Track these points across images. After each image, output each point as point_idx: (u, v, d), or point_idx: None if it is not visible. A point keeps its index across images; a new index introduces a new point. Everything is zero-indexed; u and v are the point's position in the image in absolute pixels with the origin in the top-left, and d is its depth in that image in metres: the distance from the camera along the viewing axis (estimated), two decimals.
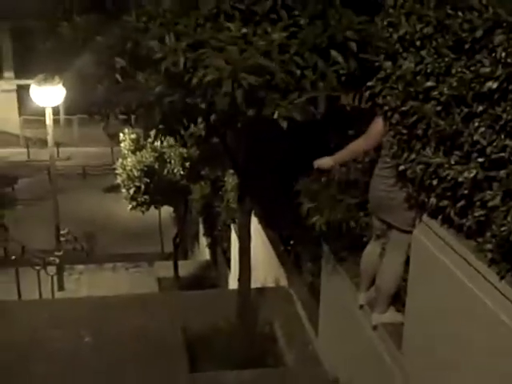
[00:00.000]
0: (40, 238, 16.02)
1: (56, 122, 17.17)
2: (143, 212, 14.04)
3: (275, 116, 4.18)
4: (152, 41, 4.38)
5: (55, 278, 13.41)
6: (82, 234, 17.89)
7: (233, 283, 10.26)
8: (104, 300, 8.55)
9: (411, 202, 4.24)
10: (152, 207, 14.29)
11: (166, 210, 16.96)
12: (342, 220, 5.59)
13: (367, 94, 4.57)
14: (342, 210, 5.32)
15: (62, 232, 14.43)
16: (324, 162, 4.97)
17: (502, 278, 3.25)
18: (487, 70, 3.16)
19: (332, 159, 4.95)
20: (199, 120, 5.97)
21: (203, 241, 15.67)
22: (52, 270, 13.41)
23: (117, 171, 13.74)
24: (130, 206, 13.88)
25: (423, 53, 3.76)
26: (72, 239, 16.36)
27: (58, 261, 13.55)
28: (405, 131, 3.99)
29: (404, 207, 4.38)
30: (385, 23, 4.18)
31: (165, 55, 4.26)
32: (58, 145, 21.93)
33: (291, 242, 8.27)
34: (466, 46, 3.37)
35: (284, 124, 4.19)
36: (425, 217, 4.12)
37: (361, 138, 4.78)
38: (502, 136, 3.13)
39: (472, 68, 3.30)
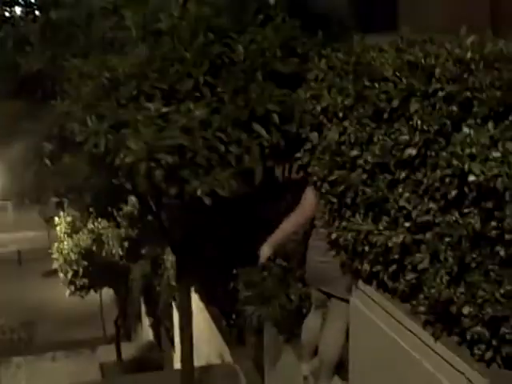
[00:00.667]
0: None
1: None
2: (82, 296, 13.69)
3: (198, 193, 4.17)
4: (74, 124, 4.38)
5: None
6: (19, 323, 17.23)
7: (177, 363, 10.00)
8: None
9: (344, 269, 4.27)
10: (92, 290, 13.96)
11: (107, 292, 16.58)
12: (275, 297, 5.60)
13: (297, 164, 4.65)
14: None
15: None
16: (264, 253, 4.79)
17: (436, 338, 3.28)
18: (406, 137, 3.27)
19: (269, 246, 4.79)
20: (133, 199, 5.97)
21: (146, 321, 15.33)
22: None
23: (53, 255, 13.44)
24: (69, 292, 13.53)
25: (346, 123, 3.88)
26: (8, 330, 15.72)
27: None
28: (334, 200, 4.06)
29: (338, 276, 4.40)
30: (308, 95, 4.30)
31: (86, 137, 4.26)
32: None
33: (233, 317, 8.17)
34: (385, 116, 3.49)
35: (207, 201, 4.18)
36: (360, 283, 4.15)
37: (294, 213, 4.73)
38: (426, 200, 3.22)
39: (392, 136, 3.41)
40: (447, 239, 3.08)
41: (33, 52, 5.12)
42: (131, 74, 4.34)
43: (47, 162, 5.11)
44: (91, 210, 5.40)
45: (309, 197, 4.57)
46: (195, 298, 8.26)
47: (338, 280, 4.44)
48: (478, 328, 3.02)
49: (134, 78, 4.33)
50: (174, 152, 4.05)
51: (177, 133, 4.07)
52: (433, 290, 3.15)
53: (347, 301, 4.47)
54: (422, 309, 3.34)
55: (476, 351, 3.08)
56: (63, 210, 6.38)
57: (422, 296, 3.33)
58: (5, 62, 5.32)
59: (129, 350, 14.84)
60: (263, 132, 4.31)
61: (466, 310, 3.02)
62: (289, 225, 4.74)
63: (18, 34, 5.26)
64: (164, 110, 4.22)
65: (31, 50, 5.15)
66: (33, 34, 5.20)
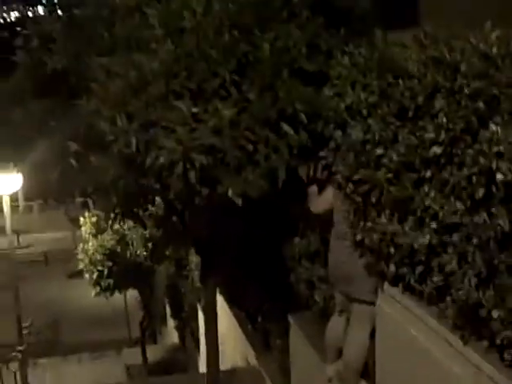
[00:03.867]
0: (1, 331, 15.48)
1: (15, 208, 16.93)
2: (107, 297, 13.76)
3: (229, 194, 4.15)
4: (103, 123, 4.36)
5: (18, 375, 12.87)
6: (46, 324, 17.36)
7: (203, 366, 9.98)
8: None
9: (369, 271, 4.20)
10: (117, 291, 14.03)
11: (132, 294, 16.65)
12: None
13: (321, 164, 4.60)
14: None
15: (24, 324, 13.96)
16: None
17: (465, 343, 3.19)
18: (431, 135, 3.20)
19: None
20: (158, 200, 5.94)
21: (171, 323, 15.35)
22: (14, 366, 12.87)
23: (79, 256, 13.52)
24: (94, 292, 13.61)
25: (370, 121, 3.81)
26: (35, 331, 15.85)
27: (20, 356, 13.03)
28: (359, 200, 3.99)
29: (362, 277, 4.32)
30: (331, 93, 4.24)
31: (116, 137, 4.24)
32: (17, 232, 21.56)
33: (259, 320, 8.11)
34: (410, 113, 3.42)
35: (239, 201, 4.15)
36: (386, 286, 4.08)
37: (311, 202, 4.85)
38: (452, 199, 3.14)
39: (417, 134, 3.34)
40: (475, 240, 3.00)
41: (57, 50, 5.13)
42: (159, 73, 4.31)
43: (73, 161, 5.11)
44: (117, 210, 5.37)
45: (326, 194, 4.61)
46: (220, 300, 8.22)
47: (360, 281, 4.37)
48: (508, 332, 2.93)
49: (162, 77, 4.30)
50: (207, 152, 4.02)
51: (208, 132, 4.04)
52: (461, 293, 3.07)
53: (371, 303, 4.40)
54: (450, 312, 3.26)
55: (506, 356, 2.99)
56: (89, 211, 6.39)
57: (449, 299, 3.26)
58: (30, 61, 5.34)
59: (154, 352, 14.86)
60: (291, 132, 4.27)
61: (495, 313, 2.94)
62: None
63: (43, 33, 5.27)
64: (195, 109, 4.19)
65: (56, 47, 5.15)
66: (57, 32, 5.21)
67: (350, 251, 4.34)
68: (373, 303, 4.36)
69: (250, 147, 4.20)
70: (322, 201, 4.66)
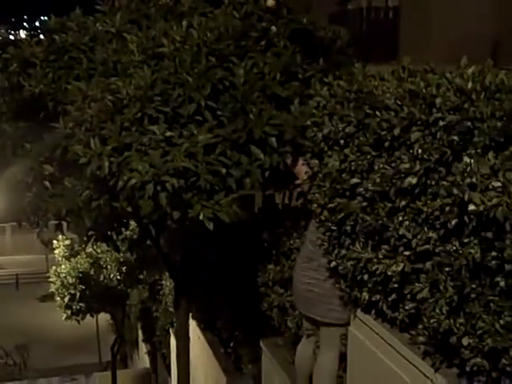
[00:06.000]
0: None
1: None
2: (79, 321, 13.59)
3: (201, 217, 4.17)
4: (77, 146, 4.39)
5: None
6: (15, 347, 17.07)
7: None
8: None
9: (331, 293, 4.27)
10: (88, 315, 13.87)
11: (103, 317, 16.47)
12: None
13: (296, 191, 4.65)
14: None
15: None
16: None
17: (436, 370, 3.24)
18: (406, 165, 3.27)
19: None
20: (132, 223, 5.94)
21: (143, 347, 15.19)
22: None
23: (51, 279, 13.38)
24: (65, 316, 13.45)
25: (347, 151, 3.87)
26: (3, 354, 15.58)
27: None
28: (334, 227, 4.04)
29: (325, 300, 4.37)
30: (309, 123, 4.32)
31: (89, 159, 4.26)
32: None
33: (231, 344, 8.09)
34: (386, 144, 3.49)
35: (210, 226, 4.17)
36: (359, 312, 4.12)
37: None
38: (425, 228, 3.21)
39: (393, 164, 3.41)
40: (447, 269, 3.06)
41: (36, 74, 5.16)
42: (135, 97, 4.36)
43: (47, 184, 5.11)
44: (91, 233, 5.36)
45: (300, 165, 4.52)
46: (193, 325, 8.19)
47: (321, 304, 4.43)
48: (478, 359, 2.98)
49: (137, 101, 4.35)
50: (179, 175, 4.05)
51: (181, 156, 4.08)
52: (432, 320, 3.12)
53: (335, 325, 4.43)
54: (421, 339, 3.31)
55: (476, 383, 3.04)
56: (62, 233, 6.35)
57: (421, 326, 3.30)
58: (8, 84, 5.36)
59: (125, 378, 14.66)
60: (261, 155, 4.33)
61: (465, 341, 2.99)
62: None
63: (22, 56, 5.30)
64: (169, 133, 4.23)
65: (34, 72, 5.18)
66: (36, 57, 5.25)
67: (314, 274, 4.40)
68: (338, 325, 4.39)
69: (223, 170, 4.24)
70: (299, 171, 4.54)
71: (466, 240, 2.97)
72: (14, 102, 5.43)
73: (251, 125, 4.30)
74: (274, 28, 4.80)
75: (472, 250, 2.92)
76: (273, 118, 4.34)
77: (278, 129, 4.35)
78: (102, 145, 4.28)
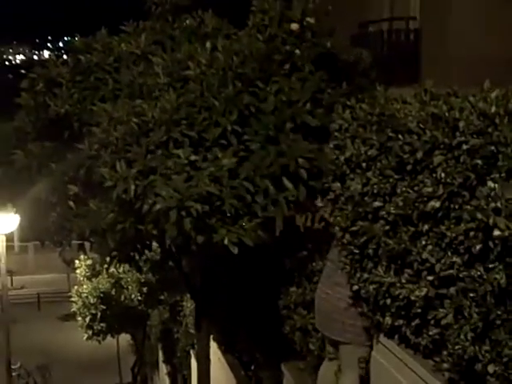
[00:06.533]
0: None
1: (11, 248, 16.87)
2: (100, 341, 13.61)
3: (225, 242, 4.17)
4: (103, 168, 4.42)
5: None
6: (36, 367, 17.11)
7: None
8: None
9: (345, 313, 4.26)
10: (109, 335, 13.88)
11: (124, 338, 16.47)
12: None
13: (319, 214, 4.63)
14: None
15: (13, 367, 13.77)
16: None
17: None
18: (429, 189, 3.24)
19: None
20: (154, 244, 5.95)
21: (163, 368, 15.14)
22: None
23: (72, 298, 13.43)
24: (86, 336, 13.47)
25: (369, 174, 3.86)
26: (24, 374, 15.62)
27: None
28: (356, 251, 4.02)
29: (338, 318, 4.36)
30: (331, 146, 4.31)
31: (115, 182, 4.28)
32: (11, 273, 21.43)
33: (252, 367, 8.03)
34: (409, 167, 3.47)
35: (235, 250, 4.17)
36: (382, 337, 4.07)
37: None
38: (449, 253, 3.17)
39: (415, 188, 3.39)
40: (471, 294, 3.02)
41: (62, 94, 5.22)
42: (160, 120, 4.38)
43: (71, 204, 5.14)
44: (114, 254, 5.38)
45: None
46: (214, 347, 8.15)
47: (335, 321, 4.39)
48: None
49: (163, 124, 4.37)
50: (203, 200, 4.05)
51: (206, 181, 4.09)
52: (457, 347, 3.08)
53: (353, 344, 4.39)
54: (445, 366, 3.26)
55: None
56: (85, 253, 6.38)
57: (445, 352, 3.26)
58: (34, 103, 5.42)
59: None
60: (291, 187, 4.32)
61: (491, 368, 2.94)
62: None
63: (49, 76, 5.37)
64: (193, 157, 4.24)
65: (60, 92, 5.24)
66: (63, 77, 5.31)
67: (331, 289, 4.38)
68: (358, 344, 4.35)
69: (249, 197, 4.24)
70: None
71: (490, 265, 2.94)
72: (39, 122, 5.50)
73: (285, 157, 4.30)
74: (298, 51, 4.81)
75: (497, 276, 2.88)
76: (306, 151, 4.33)
77: (312, 163, 4.34)
78: (128, 168, 4.30)
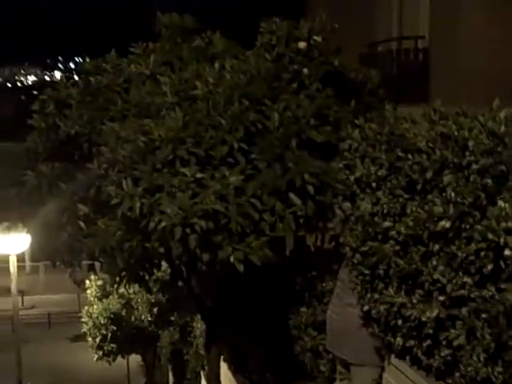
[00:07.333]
0: None
1: (21, 268, 16.90)
2: (110, 362, 13.56)
3: (231, 260, 4.15)
4: (110, 186, 4.43)
5: None
6: None
7: None
8: None
9: (357, 334, 4.22)
10: (119, 356, 13.84)
11: (134, 359, 16.40)
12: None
13: (329, 234, 4.61)
14: None
15: None
16: None
17: None
18: (440, 209, 3.23)
19: None
20: (164, 265, 5.94)
21: None
22: None
23: (83, 319, 13.41)
24: (97, 357, 13.43)
25: (379, 194, 3.85)
26: None
27: None
28: (367, 271, 3.99)
29: (350, 339, 4.33)
30: (341, 165, 4.30)
31: (121, 200, 4.29)
32: (22, 293, 21.45)
33: None
34: (418, 187, 3.46)
35: (241, 268, 4.15)
36: (393, 358, 4.03)
37: None
38: (460, 273, 3.15)
39: (425, 208, 3.37)
40: (483, 315, 2.99)
41: (72, 115, 5.26)
42: (167, 139, 4.40)
43: (82, 224, 5.15)
44: (123, 274, 5.37)
45: None
46: (224, 367, 8.10)
47: (347, 342, 4.36)
48: None
49: (170, 143, 4.39)
50: (209, 217, 4.05)
51: (211, 198, 4.08)
52: (469, 368, 3.04)
53: (363, 366, 4.35)
54: None
55: None
56: (95, 274, 6.38)
57: (458, 374, 3.22)
58: (45, 124, 5.47)
59: None
60: (299, 202, 4.30)
61: None
62: None
63: (59, 98, 5.42)
64: (199, 175, 4.25)
65: (70, 113, 5.29)
66: (73, 98, 5.35)
67: (342, 309, 4.35)
68: (375, 366, 4.31)
69: (256, 215, 4.23)
70: None
71: (502, 285, 2.91)
72: (49, 143, 5.53)
73: (291, 173, 4.30)
74: (305, 70, 4.83)
75: (509, 296, 2.85)
76: (311, 167, 4.33)
77: (319, 178, 4.33)
78: (134, 186, 4.31)
